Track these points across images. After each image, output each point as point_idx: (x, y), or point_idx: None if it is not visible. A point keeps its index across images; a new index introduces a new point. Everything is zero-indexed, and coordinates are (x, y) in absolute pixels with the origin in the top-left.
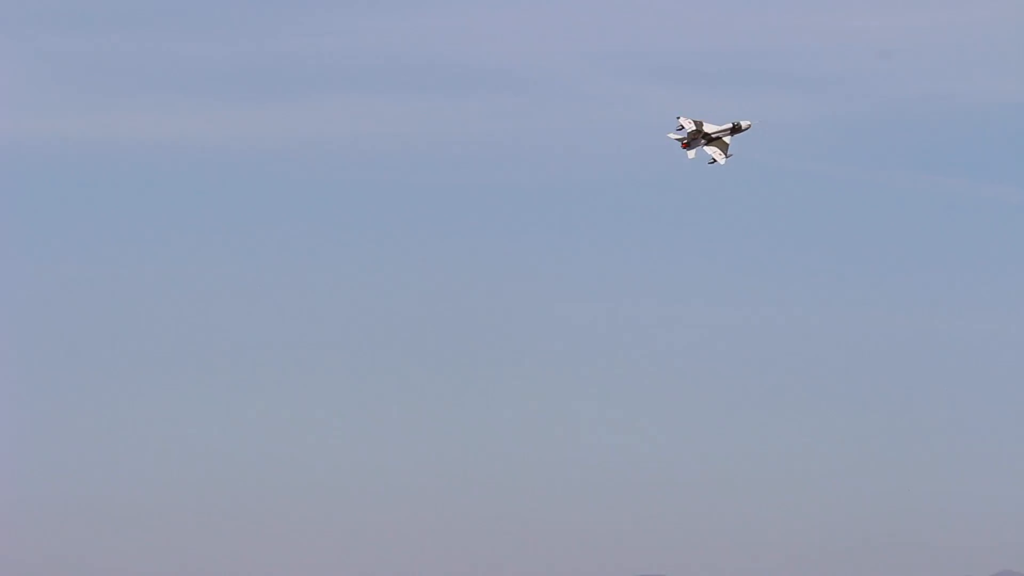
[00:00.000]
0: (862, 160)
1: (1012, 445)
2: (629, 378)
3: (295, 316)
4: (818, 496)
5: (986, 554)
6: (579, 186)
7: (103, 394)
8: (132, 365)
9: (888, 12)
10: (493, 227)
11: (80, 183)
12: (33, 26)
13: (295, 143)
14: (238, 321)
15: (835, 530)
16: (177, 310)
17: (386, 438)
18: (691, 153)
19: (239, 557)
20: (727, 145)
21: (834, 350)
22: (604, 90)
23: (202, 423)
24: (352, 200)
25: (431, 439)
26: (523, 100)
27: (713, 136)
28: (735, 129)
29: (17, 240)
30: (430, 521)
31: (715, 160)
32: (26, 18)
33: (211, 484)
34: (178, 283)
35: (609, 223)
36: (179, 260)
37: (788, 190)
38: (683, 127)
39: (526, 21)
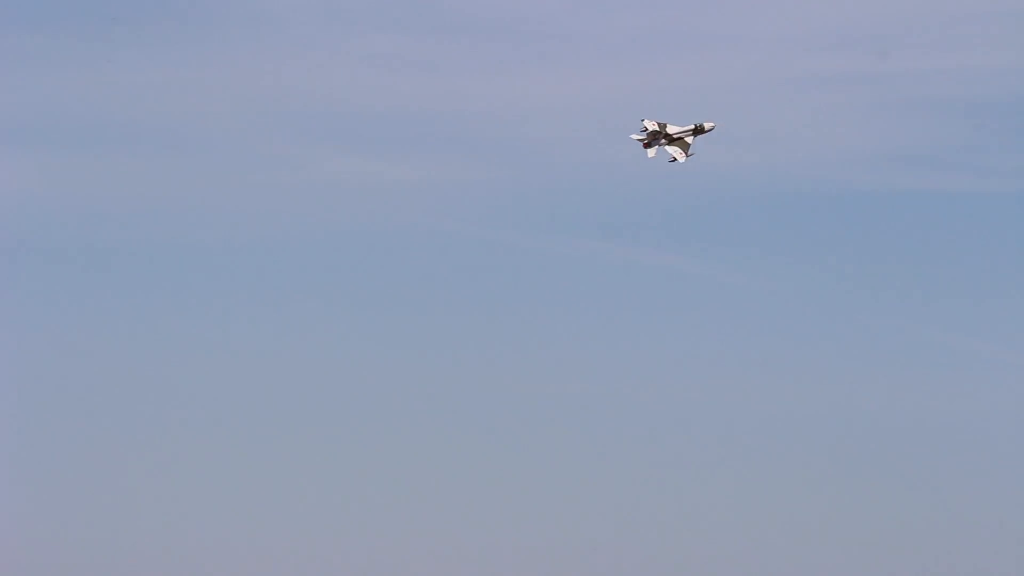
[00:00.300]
0: (532, 226)
1: None
2: None
3: None
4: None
5: None
6: (249, 248)
7: None
8: None
9: (557, 77)
10: (166, 286)
11: None
12: None
13: None
14: None
15: None
16: None
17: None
18: (651, 152)
19: None
20: (688, 145)
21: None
22: (273, 150)
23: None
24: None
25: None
26: (188, 159)
27: (675, 136)
28: (698, 130)
29: None
30: None
31: (675, 159)
32: None
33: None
34: None
35: (278, 283)
36: None
37: (461, 254)
38: (646, 128)
39: (191, 78)
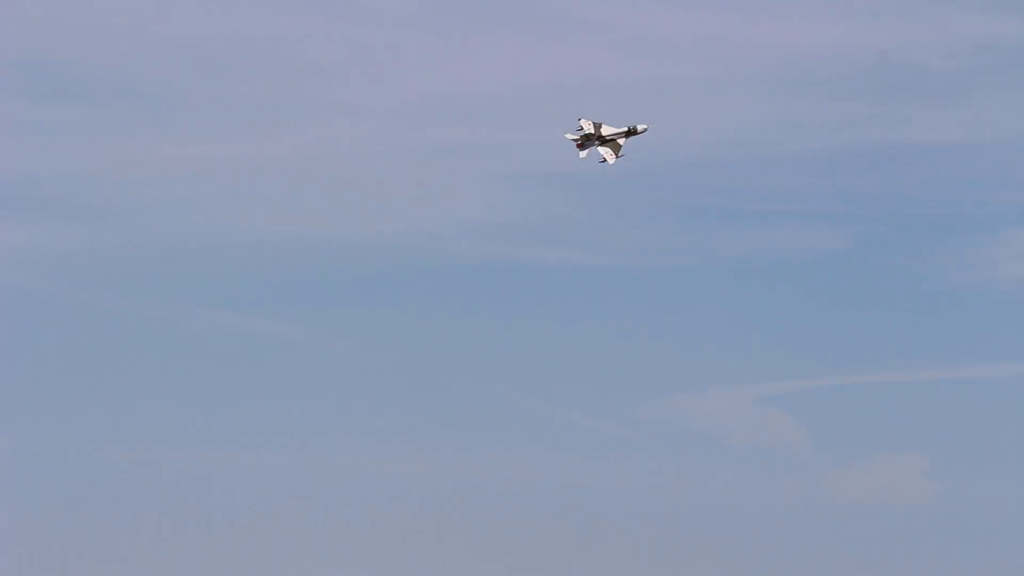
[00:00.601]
0: (135, 293)
1: None
2: None
3: None
4: None
5: None
6: None
7: None
8: None
9: (165, 142)
10: None
11: None
12: None
13: None
14: None
15: None
16: None
17: None
18: (583, 153)
19: None
20: (620, 147)
21: None
22: None
23: None
24: None
25: None
26: None
27: (608, 138)
28: (630, 132)
29: None
30: None
31: (605, 160)
32: None
33: None
34: None
35: None
36: None
37: (68, 319)
38: (582, 128)
39: None
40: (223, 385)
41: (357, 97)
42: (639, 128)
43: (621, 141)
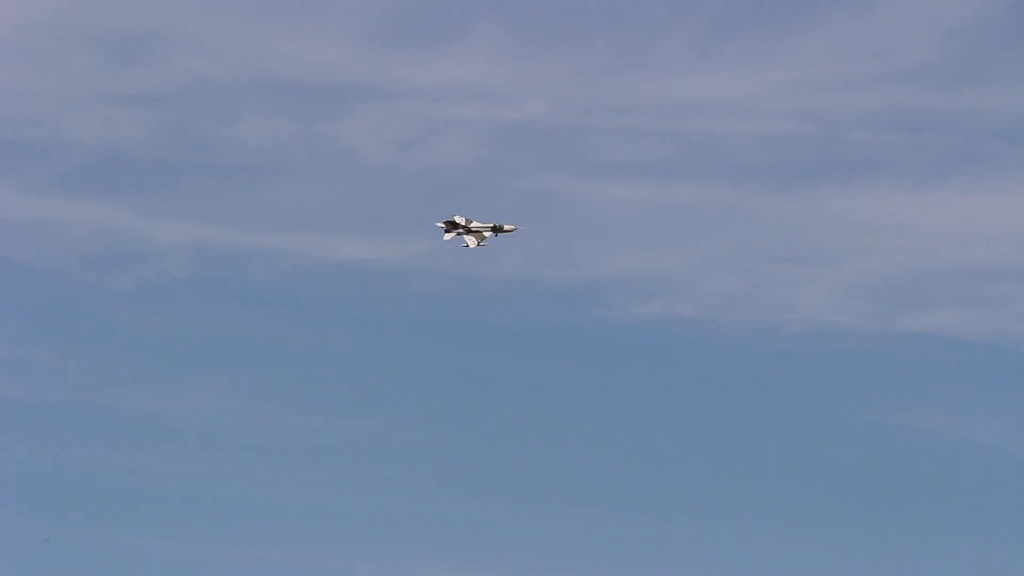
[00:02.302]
0: None
1: None
2: None
3: None
4: None
5: None
6: None
7: None
8: None
9: None
10: None
11: None
12: None
13: None
14: None
15: None
16: None
17: None
18: (448, 236)
19: None
20: (484, 237)
21: None
22: None
23: None
24: None
25: None
26: None
27: (473, 229)
28: (496, 229)
29: None
30: None
31: (468, 245)
32: None
33: None
34: None
35: None
36: None
37: None
38: (455, 221)
39: None
40: None
41: None
42: (506, 227)
43: (487, 234)
